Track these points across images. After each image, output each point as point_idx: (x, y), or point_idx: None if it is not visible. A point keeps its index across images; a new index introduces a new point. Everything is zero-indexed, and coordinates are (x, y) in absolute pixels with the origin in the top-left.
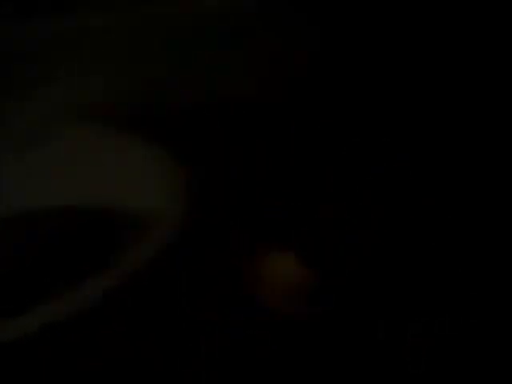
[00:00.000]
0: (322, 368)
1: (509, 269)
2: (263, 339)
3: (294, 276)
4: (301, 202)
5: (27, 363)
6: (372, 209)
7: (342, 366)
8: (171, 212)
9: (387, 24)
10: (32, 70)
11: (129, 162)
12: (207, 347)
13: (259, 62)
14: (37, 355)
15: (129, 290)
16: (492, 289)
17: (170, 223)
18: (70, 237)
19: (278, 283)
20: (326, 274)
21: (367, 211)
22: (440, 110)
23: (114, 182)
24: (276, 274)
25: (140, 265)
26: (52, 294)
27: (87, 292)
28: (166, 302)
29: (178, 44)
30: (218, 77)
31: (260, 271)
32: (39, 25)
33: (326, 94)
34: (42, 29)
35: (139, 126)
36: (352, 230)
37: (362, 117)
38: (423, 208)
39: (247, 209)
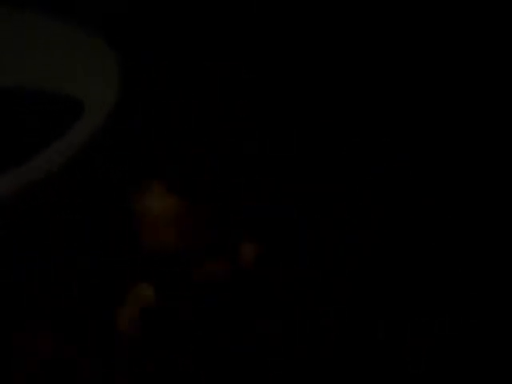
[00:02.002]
0: (322, 368)
1: (509, 269)
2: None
3: (167, 208)
4: (301, 202)
5: None
6: (372, 209)
7: (341, 366)
8: (106, 98)
9: (387, 24)
10: None
11: (67, 48)
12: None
13: None
14: None
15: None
16: (492, 289)
17: (104, 108)
18: (12, 117)
19: (151, 217)
20: (326, 274)
21: (367, 211)
22: (440, 110)
23: (53, 65)
24: (149, 208)
25: (77, 147)
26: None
27: (34, 166)
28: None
29: None
30: None
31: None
32: None
33: (326, 94)
34: None
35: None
36: (352, 230)
37: (362, 117)
38: (423, 208)
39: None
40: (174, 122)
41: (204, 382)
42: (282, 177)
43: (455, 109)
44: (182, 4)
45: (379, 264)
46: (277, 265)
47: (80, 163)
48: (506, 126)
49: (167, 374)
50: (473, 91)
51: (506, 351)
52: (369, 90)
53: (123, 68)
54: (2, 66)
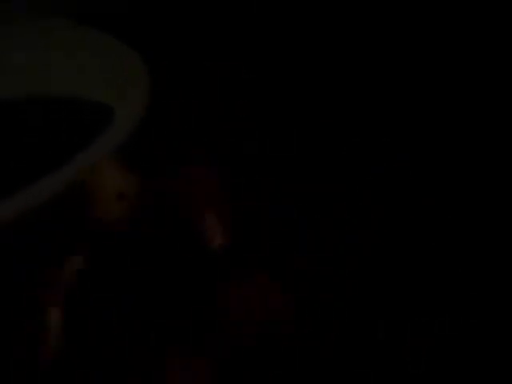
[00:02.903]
0: (322, 368)
1: (509, 269)
2: None
3: (116, 185)
4: (301, 202)
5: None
6: (372, 209)
7: (342, 366)
8: (136, 104)
9: (388, 24)
10: None
11: (93, 55)
12: None
13: None
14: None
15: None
16: (492, 289)
17: (135, 115)
18: (38, 126)
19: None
20: (326, 273)
21: (367, 211)
22: (440, 110)
23: (78, 72)
24: (99, 184)
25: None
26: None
27: (63, 176)
28: None
29: None
30: None
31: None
32: None
33: (325, 94)
34: None
35: (100, 21)
36: (352, 230)
37: (362, 117)
38: (423, 208)
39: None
40: (174, 122)
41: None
42: (282, 177)
43: (455, 109)
44: (182, 4)
45: (379, 264)
46: (276, 264)
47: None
48: (506, 126)
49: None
50: (473, 91)
51: (506, 351)
52: (369, 90)
53: (152, 74)
54: (29, 75)
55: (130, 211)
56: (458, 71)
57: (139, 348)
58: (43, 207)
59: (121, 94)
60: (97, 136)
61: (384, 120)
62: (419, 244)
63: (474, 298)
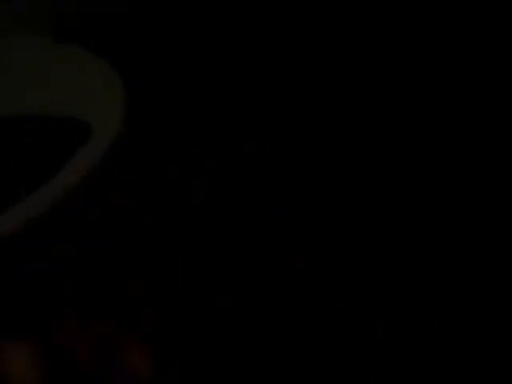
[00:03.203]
0: (322, 368)
1: (509, 269)
2: None
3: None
4: (301, 202)
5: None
6: (372, 209)
7: (342, 366)
8: (113, 121)
9: (388, 24)
10: None
11: (73, 72)
12: None
13: None
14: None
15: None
16: (492, 289)
17: (111, 131)
18: (19, 144)
19: None
20: (327, 274)
21: (367, 211)
22: (440, 110)
23: (53, 89)
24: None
25: (86, 170)
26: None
27: (46, 195)
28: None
29: None
30: None
31: None
32: None
33: (325, 94)
34: None
35: (85, 38)
36: (352, 230)
37: (362, 117)
38: (423, 208)
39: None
40: (174, 122)
41: None
42: (282, 177)
43: (455, 109)
44: (182, 4)
45: (379, 264)
46: (276, 264)
47: (92, 184)
48: (506, 126)
49: None
50: (473, 91)
51: (506, 351)
52: (369, 90)
53: (129, 90)
54: (2, 95)
55: None
56: (458, 71)
57: None
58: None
59: (97, 109)
60: (74, 153)
61: (384, 120)
62: (419, 244)
63: (474, 298)
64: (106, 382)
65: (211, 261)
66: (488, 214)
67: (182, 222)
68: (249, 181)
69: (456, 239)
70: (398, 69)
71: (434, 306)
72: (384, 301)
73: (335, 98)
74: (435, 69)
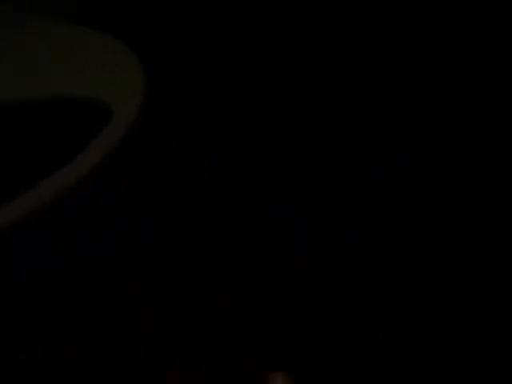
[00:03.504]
0: (322, 368)
1: (509, 269)
2: None
3: None
4: (301, 202)
5: None
6: (372, 209)
7: (342, 366)
8: (133, 101)
9: (388, 24)
10: None
11: (90, 54)
12: None
13: None
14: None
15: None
16: (492, 289)
17: (130, 113)
18: (38, 127)
19: None
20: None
21: (367, 211)
22: (440, 110)
23: (76, 72)
24: None
25: (107, 150)
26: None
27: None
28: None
29: None
30: None
31: None
32: None
33: (325, 94)
34: None
35: (100, 21)
36: (352, 230)
37: (362, 117)
38: (423, 208)
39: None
40: (174, 122)
41: None
42: (282, 177)
43: (455, 109)
44: (182, 4)
45: (379, 264)
46: (276, 264)
47: (109, 168)
48: (506, 126)
49: None
50: (473, 91)
51: (506, 351)
52: (369, 90)
53: (147, 72)
54: (27, 77)
55: None
56: (458, 71)
57: None
58: (46, 209)
59: (118, 92)
60: (96, 134)
61: (384, 120)
62: (419, 244)
63: (474, 298)
64: None
65: (211, 261)
66: (488, 214)
67: (182, 222)
68: (249, 181)
69: (456, 239)
70: (398, 69)
71: (434, 306)
72: (384, 301)
73: (335, 98)
74: (435, 69)
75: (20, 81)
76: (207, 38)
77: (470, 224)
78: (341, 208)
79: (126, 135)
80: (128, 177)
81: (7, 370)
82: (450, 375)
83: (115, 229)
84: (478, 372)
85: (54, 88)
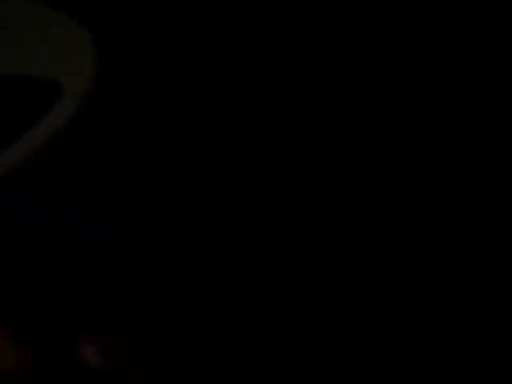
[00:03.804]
0: (322, 368)
1: (509, 269)
2: None
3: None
4: (301, 202)
5: None
6: (372, 209)
7: (342, 366)
8: (83, 78)
9: (388, 24)
10: None
11: (38, 30)
12: None
13: None
14: None
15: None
16: (492, 289)
17: (82, 89)
18: None
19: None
20: (326, 274)
21: (367, 211)
22: (440, 110)
23: (24, 49)
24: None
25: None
26: None
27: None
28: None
29: None
30: None
31: None
32: None
33: (325, 94)
34: None
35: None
36: (352, 230)
37: (362, 117)
38: (423, 208)
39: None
40: (174, 122)
41: None
42: (282, 177)
43: (455, 109)
44: (182, 4)
45: (379, 264)
46: (276, 264)
47: (58, 148)
48: (506, 126)
49: None
50: (473, 91)
51: (506, 351)
52: (369, 90)
53: (98, 47)
54: None
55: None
56: (458, 71)
57: None
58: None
59: (67, 68)
60: (45, 112)
61: (384, 120)
62: (419, 244)
63: (474, 298)
64: None
65: (211, 261)
66: (488, 214)
67: (182, 222)
68: (249, 181)
69: (456, 239)
70: (398, 69)
71: (434, 306)
72: (384, 301)
73: (335, 98)
74: (435, 69)
75: None
76: (207, 38)
77: (470, 224)
78: (341, 208)
79: (77, 109)
80: (128, 177)
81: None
82: (449, 375)
83: (115, 229)
84: (478, 372)
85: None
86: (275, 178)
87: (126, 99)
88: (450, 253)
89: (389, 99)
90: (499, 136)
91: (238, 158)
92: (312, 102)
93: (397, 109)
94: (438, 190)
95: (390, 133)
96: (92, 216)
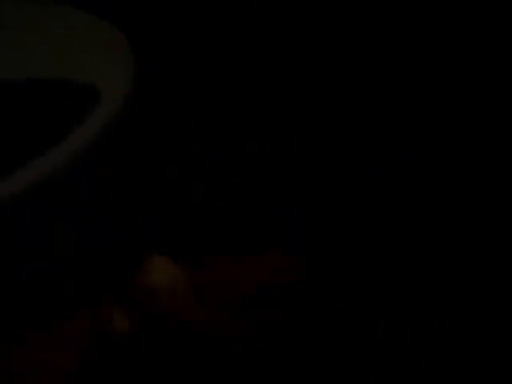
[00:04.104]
0: (322, 368)
1: (509, 269)
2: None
3: (173, 281)
4: (301, 202)
5: None
6: (372, 209)
7: (342, 366)
8: (122, 85)
9: (387, 24)
10: None
11: (75, 34)
12: None
13: None
14: None
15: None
16: (492, 289)
17: (121, 96)
18: (24, 109)
19: (159, 291)
20: (326, 273)
21: (367, 211)
22: (440, 110)
23: (62, 53)
24: (156, 284)
25: (97, 131)
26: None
27: (56, 158)
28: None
29: None
30: None
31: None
32: None
33: (326, 94)
34: None
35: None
36: (352, 230)
37: (362, 117)
38: (423, 208)
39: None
40: (174, 121)
41: None
42: (281, 177)
43: (455, 109)
44: (182, 4)
45: (379, 264)
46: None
47: (97, 152)
48: (505, 126)
49: None
50: (473, 91)
51: (506, 351)
52: (369, 90)
53: (137, 55)
54: (15, 58)
55: (185, 304)
56: (458, 71)
57: None
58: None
59: (106, 74)
60: (86, 116)
61: (384, 120)
62: (419, 244)
63: (474, 298)
64: None
65: (211, 260)
66: (488, 214)
67: (182, 222)
68: (249, 181)
69: (456, 239)
70: (398, 69)
71: (434, 305)
72: (384, 301)
73: (335, 98)
74: (435, 69)
75: (7, 62)
76: (207, 37)
77: (470, 224)
78: (341, 208)
79: (115, 116)
80: (128, 176)
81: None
82: (450, 375)
83: (115, 228)
84: (478, 372)
85: (41, 69)
86: (275, 177)
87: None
88: (450, 253)
89: (389, 99)
90: (499, 136)
91: (238, 158)
92: (312, 102)
93: (397, 109)
94: (438, 189)
95: (390, 133)
96: (92, 216)
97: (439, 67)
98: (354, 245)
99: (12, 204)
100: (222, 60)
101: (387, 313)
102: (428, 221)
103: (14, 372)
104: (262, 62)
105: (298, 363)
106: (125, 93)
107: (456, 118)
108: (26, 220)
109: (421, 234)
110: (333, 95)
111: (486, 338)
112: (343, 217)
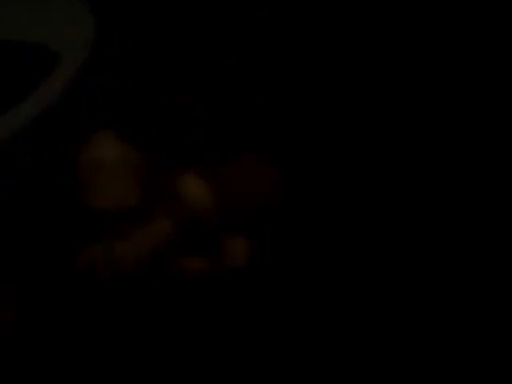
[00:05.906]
0: (322, 368)
1: (509, 269)
2: None
3: (119, 158)
4: (300, 201)
5: None
6: (372, 208)
7: (342, 366)
8: (81, 48)
9: (387, 24)
10: None
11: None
12: None
13: None
14: None
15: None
16: (492, 289)
17: (79, 59)
18: None
19: (101, 169)
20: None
21: (367, 211)
22: (440, 110)
23: (24, 17)
24: (98, 160)
25: (57, 92)
26: None
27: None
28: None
29: None
30: None
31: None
32: None
33: (326, 94)
34: None
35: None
36: (352, 230)
37: (362, 117)
38: (423, 208)
39: None
40: (174, 121)
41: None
42: (281, 177)
43: (455, 109)
44: (183, 3)
45: (379, 264)
46: (274, 263)
47: (54, 115)
48: (505, 126)
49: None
50: (473, 91)
51: (506, 351)
52: (369, 91)
53: (97, 19)
54: None
55: (133, 188)
56: (458, 71)
57: None
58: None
59: (66, 37)
60: (44, 77)
61: (384, 120)
62: (419, 244)
63: (473, 298)
64: None
65: (211, 260)
66: (488, 214)
67: (182, 222)
68: (249, 180)
69: (456, 239)
70: (398, 69)
71: (434, 305)
72: (384, 301)
73: (335, 99)
74: (435, 69)
75: None
76: (208, 37)
77: (470, 224)
78: (340, 208)
79: (73, 80)
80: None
81: (7, 368)
82: (449, 375)
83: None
84: (478, 372)
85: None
86: (275, 177)
87: (127, 99)
88: (449, 253)
89: (389, 99)
90: (499, 136)
91: (237, 158)
92: (312, 102)
93: (397, 109)
94: (438, 189)
95: (389, 133)
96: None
97: (439, 67)
98: (354, 245)
99: None
100: (223, 59)
101: (387, 313)
102: (428, 221)
103: None
104: (263, 62)
105: (297, 363)
106: (83, 55)
107: (456, 118)
108: None
109: (421, 233)
110: (333, 95)
111: (486, 338)
112: (343, 216)
